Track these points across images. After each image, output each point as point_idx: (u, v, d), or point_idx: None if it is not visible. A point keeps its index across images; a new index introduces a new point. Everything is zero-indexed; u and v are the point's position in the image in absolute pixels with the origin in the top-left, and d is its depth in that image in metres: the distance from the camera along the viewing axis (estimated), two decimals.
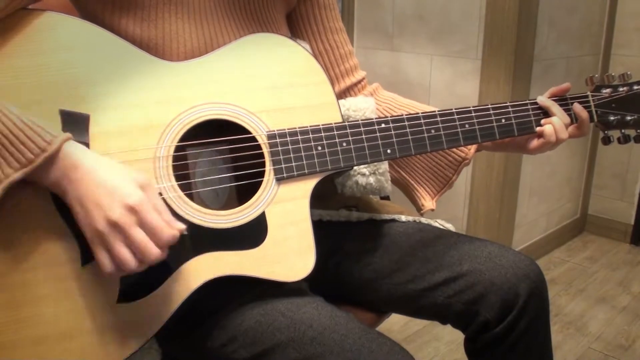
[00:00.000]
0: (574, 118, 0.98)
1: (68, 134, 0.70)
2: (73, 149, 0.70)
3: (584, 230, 2.82)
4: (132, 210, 0.69)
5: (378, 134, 0.88)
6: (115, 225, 0.68)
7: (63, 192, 0.70)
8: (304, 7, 1.05)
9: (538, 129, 0.96)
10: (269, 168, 0.83)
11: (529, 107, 0.96)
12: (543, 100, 0.96)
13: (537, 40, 2.10)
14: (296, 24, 1.06)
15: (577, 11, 2.29)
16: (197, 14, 0.87)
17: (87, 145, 0.76)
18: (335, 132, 0.86)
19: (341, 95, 1.09)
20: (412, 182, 1.11)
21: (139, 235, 0.69)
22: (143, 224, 0.69)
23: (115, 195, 0.69)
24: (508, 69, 2.03)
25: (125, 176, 0.71)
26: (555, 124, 0.94)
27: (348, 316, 0.81)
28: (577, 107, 0.97)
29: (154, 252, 0.69)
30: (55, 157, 0.69)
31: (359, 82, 1.11)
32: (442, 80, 2.25)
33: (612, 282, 2.33)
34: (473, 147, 1.06)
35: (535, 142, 0.97)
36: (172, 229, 0.71)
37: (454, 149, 1.05)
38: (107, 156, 0.76)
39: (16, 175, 0.67)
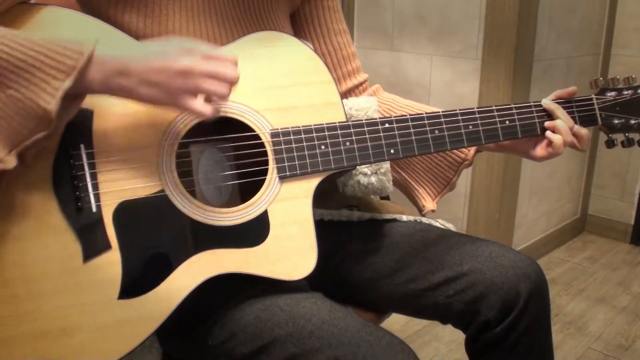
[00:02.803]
0: (577, 121, 0.97)
1: (95, 38, 0.70)
2: (105, 47, 0.70)
3: (584, 230, 2.82)
4: (190, 52, 0.72)
5: (382, 134, 0.88)
6: (186, 72, 0.71)
7: (119, 87, 0.70)
8: (307, 9, 1.05)
9: (548, 134, 0.95)
10: (272, 166, 0.83)
11: (533, 109, 0.96)
12: (548, 103, 0.96)
13: (537, 40, 2.10)
14: (300, 25, 1.06)
15: (577, 11, 2.29)
16: (201, 12, 0.87)
17: (90, 140, 0.76)
18: (338, 132, 0.86)
19: (342, 97, 1.09)
20: (413, 183, 1.11)
21: (210, 65, 0.73)
22: (208, 57, 0.73)
23: (168, 54, 0.72)
24: (508, 69, 2.03)
25: (163, 42, 0.75)
26: (559, 127, 0.94)
27: (347, 310, 0.81)
28: (578, 128, 0.96)
29: (231, 70, 0.75)
30: (93, 57, 0.69)
31: (361, 84, 1.11)
32: (442, 80, 2.25)
33: (612, 282, 2.33)
34: (473, 148, 1.05)
35: (541, 151, 0.97)
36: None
37: (454, 150, 1.05)
38: (109, 153, 0.76)
39: (66, 84, 0.67)
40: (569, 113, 0.96)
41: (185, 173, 0.83)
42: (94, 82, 0.69)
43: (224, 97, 0.75)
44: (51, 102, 0.66)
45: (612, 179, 2.67)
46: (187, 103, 0.72)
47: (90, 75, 0.69)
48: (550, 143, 0.95)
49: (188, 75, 0.71)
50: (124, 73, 0.70)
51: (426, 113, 0.91)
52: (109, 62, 0.70)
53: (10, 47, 0.66)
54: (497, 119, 0.93)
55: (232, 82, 0.75)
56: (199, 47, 0.74)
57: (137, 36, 0.82)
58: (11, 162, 0.67)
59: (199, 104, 0.73)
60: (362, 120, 0.88)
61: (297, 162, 0.84)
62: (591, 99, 0.99)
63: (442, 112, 0.92)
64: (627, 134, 1.00)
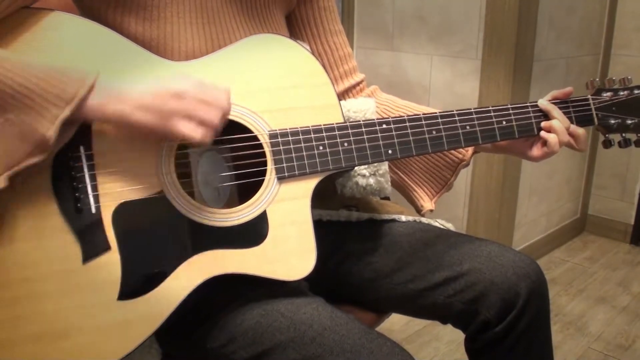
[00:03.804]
0: (574, 121, 0.97)
1: (97, 69, 0.72)
2: (106, 77, 0.72)
3: (584, 230, 2.82)
4: (186, 78, 0.75)
5: (379, 135, 0.88)
6: (180, 94, 0.73)
7: (114, 112, 0.72)
8: (303, 9, 1.05)
9: (542, 134, 0.95)
10: (270, 167, 0.83)
11: (530, 109, 0.96)
12: (544, 103, 0.96)
13: (537, 40, 2.10)
14: (295, 25, 1.06)
15: (577, 11, 2.29)
16: (199, 14, 0.87)
17: (90, 142, 0.76)
18: (336, 132, 0.86)
19: (339, 97, 1.09)
20: (411, 183, 1.11)
21: (204, 91, 0.75)
22: (202, 84, 0.76)
23: (164, 79, 0.75)
24: (508, 69, 2.03)
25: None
26: (555, 127, 0.94)
27: (348, 317, 0.81)
28: (574, 128, 0.97)
29: (224, 98, 0.76)
30: (94, 87, 0.70)
31: (358, 84, 1.12)
32: (442, 80, 2.25)
33: (612, 282, 2.33)
34: (471, 149, 1.06)
35: (537, 151, 0.97)
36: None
37: (452, 150, 1.05)
38: (108, 154, 0.76)
39: (65, 113, 0.68)
40: (565, 113, 0.96)
41: (184, 174, 0.83)
42: (89, 108, 0.70)
43: (214, 125, 0.75)
44: (50, 129, 0.68)
45: (612, 179, 2.67)
46: (178, 125, 0.73)
47: (88, 101, 0.70)
48: (545, 142, 0.95)
49: (181, 97, 0.73)
50: (121, 99, 0.71)
51: (424, 114, 0.91)
52: (108, 90, 0.71)
53: (12, 72, 0.67)
54: (494, 119, 0.93)
55: (223, 110, 0.76)
56: (194, 76, 0.76)
57: (136, 40, 0.82)
58: (1, 182, 0.68)
59: (189, 127, 0.74)
60: (359, 121, 0.88)
61: (295, 163, 0.84)
62: (587, 99, 0.99)
63: (440, 112, 0.92)
64: (623, 134, 1.00)
